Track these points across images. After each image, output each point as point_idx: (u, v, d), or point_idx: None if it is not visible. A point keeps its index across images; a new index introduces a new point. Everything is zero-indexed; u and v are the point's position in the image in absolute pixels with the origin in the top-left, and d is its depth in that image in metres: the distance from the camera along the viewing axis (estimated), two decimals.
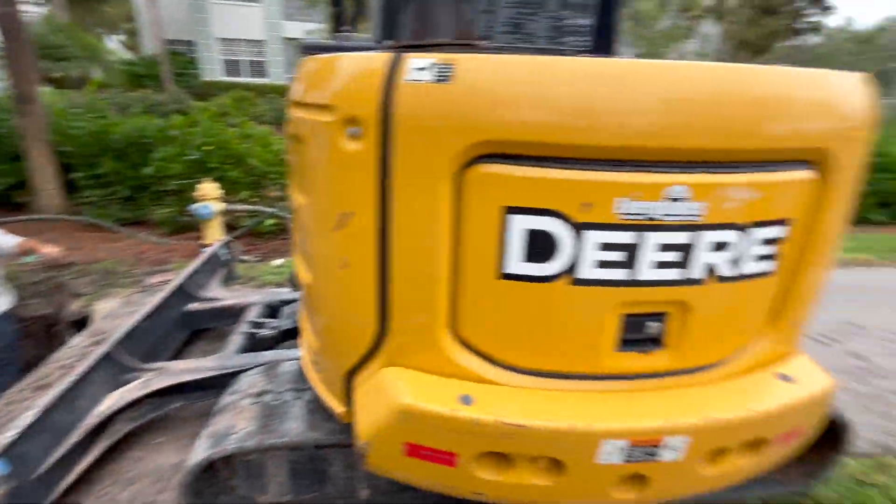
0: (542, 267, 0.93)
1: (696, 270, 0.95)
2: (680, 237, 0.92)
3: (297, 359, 1.68)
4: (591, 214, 0.88)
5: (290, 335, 2.32)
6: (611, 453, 0.97)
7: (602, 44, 1.38)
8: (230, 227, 5.11)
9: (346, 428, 1.21)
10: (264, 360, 1.97)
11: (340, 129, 0.94)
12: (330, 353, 1.27)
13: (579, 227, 0.89)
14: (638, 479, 1.03)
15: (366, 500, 1.51)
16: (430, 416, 0.97)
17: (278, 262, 4.31)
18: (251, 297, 2.78)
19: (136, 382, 2.00)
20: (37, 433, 1.65)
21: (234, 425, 1.47)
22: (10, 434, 1.58)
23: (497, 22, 1.36)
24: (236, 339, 2.30)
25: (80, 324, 2.87)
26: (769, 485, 1.68)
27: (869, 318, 3.26)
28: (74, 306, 3.56)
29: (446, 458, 1.01)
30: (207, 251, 3.27)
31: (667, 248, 0.92)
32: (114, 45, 28.55)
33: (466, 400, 0.98)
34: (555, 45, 1.40)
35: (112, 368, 2.05)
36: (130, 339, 2.19)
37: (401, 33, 1.18)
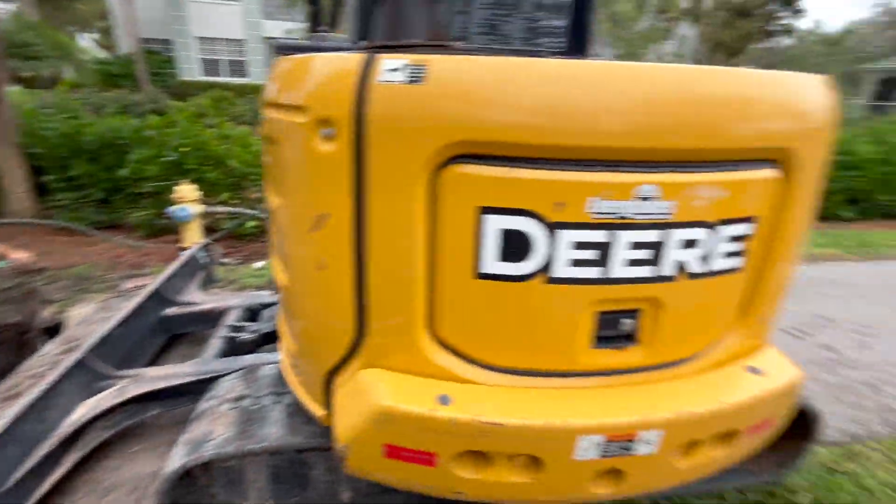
0: (518, 266, 0.94)
1: (667, 268, 0.98)
2: (651, 235, 0.93)
3: (277, 363, 1.66)
4: (564, 214, 0.89)
5: (270, 339, 2.30)
6: (587, 449, 0.98)
7: (577, 45, 1.40)
8: (210, 230, 5.01)
9: (327, 431, 1.20)
10: (244, 364, 1.95)
11: (314, 130, 0.94)
12: (308, 356, 1.26)
13: (553, 227, 0.90)
14: (614, 474, 1.04)
15: (348, 503, 1.51)
16: (408, 417, 0.97)
17: (259, 264, 4.25)
18: (231, 301, 2.74)
19: (110, 390, 1.95)
20: (6, 444, 1.59)
21: (211, 431, 1.45)
22: None
23: (472, 23, 1.37)
24: (215, 343, 2.26)
25: (53, 331, 2.78)
26: (744, 475, 1.73)
27: (838, 311, 3.37)
28: (47, 313, 3.44)
29: (426, 458, 1.01)
30: (185, 254, 3.20)
31: (638, 246, 0.94)
32: (87, 43, 27.75)
33: (444, 400, 0.98)
34: (530, 46, 1.41)
35: (85, 376, 1.99)
36: (104, 345, 2.14)
37: (376, 34, 1.18)
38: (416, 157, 0.88)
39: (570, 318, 0.99)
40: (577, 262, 0.94)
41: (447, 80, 0.85)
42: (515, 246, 0.92)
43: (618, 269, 0.95)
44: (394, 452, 1.01)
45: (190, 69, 19.18)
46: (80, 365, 1.98)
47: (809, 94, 1.04)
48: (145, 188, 5.13)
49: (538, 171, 0.88)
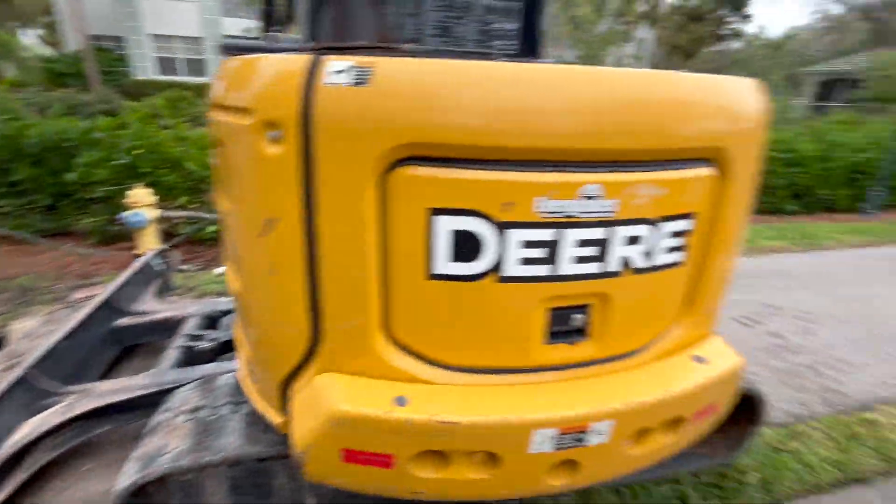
0: (469, 266, 0.95)
1: (613, 264, 1.01)
2: (596, 233, 0.97)
3: (235, 371, 1.62)
4: (513, 213, 0.91)
5: (230, 347, 2.23)
6: (542, 442, 1.01)
7: (528, 47, 1.43)
8: (168, 235, 4.81)
9: (286, 439, 1.18)
10: (201, 374, 1.88)
11: (260, 133, 0.92)
12: (264, 363, 1.24)
13: (502, 227, 0.92)
14: (569, 465, 1.07)
15: None
16: (365, 420, 0.97)
17: (220, 270, 4.11)
18: (189, 309, 2.64)
19: (56, 407, 1.85)
20: None
21: (165, 445, 1.40)
22: None
23: (425, 25, 1.38)
24: (172, 353, 2.18)
25: None
26: (697, 459, 1.81)
27: (785, 300, 3.58)
28: None
29: (383, 460, 1.01)
30: (139, 261, 3.07)
31: (585, 243, 0.97)
32: (30, 40, 26.06)
33: (401, 401, 0.98)
34: (483, 48, 1.43)
35: (28, 393, 1.88)
36: (49, 360, 2.02)
37: (325, 35, 1.17)
38: (364, 159, 0.88)
39: (522, 315, 1.02)
40: (527, 261, 0.96)
41: (393, 82, 0.85)
42: (466, 246, 0.94)
43: (566, 266, 0.98)
44: (351, 456, 1.01)
45: (144, 68, 18.35)
46: (21, 382, 1.87)
47: (742, 97, 1.10)
48: (96, 193, 4.88)
49: (486, 172, 0.89)
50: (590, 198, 0.93)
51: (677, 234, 1.06)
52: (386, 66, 0.86)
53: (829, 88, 20.59)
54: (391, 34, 1.18)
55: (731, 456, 1.86)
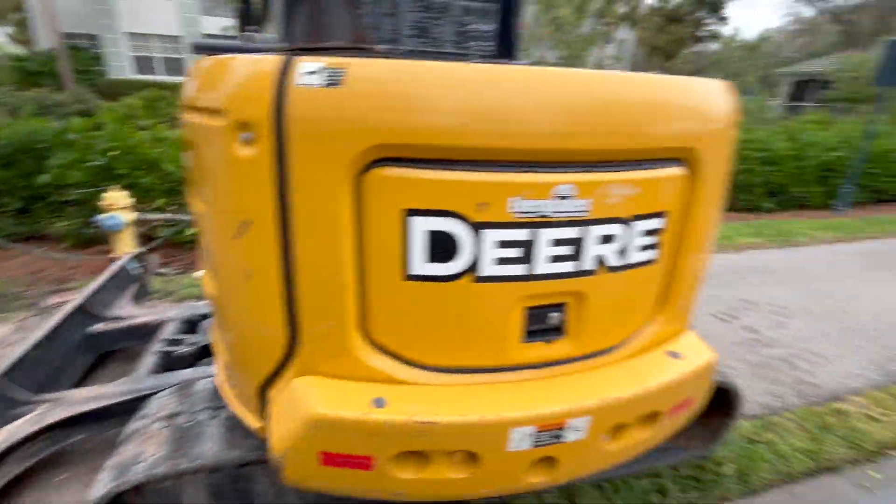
0: (446, 267, 0.96)
1: (587, 262, 1.03)
2: (570, 232, 0.98)
3: (213, 376, 1.59)
4: (488, 214, 0.92)
5: (209, 351, 2.19)
6: (520, 440, 1.02)
7: (504, 49, 1.44)
8: (147, 238, 4.70)
9: (266, 443, 1.17)
10: (180, 379, 1.85)
11: (232, 134, 0.91)
12: (241, 367, 1.22)
13: (477, 227, 0.93)
14: (548, 462, 1.09)
15: None
16: (343, 423, 0.97)
17: (200, 273, 4.04)
18: (167, 313, 2.59)
19: (28, 417, 1.80)
20: None
21: (141, 452, 1.37)
22: None
23: (403, 26, 1.38)
24: (149, 359, 2.13)
25: None
26: (676, 452, 1.86)
27: (760, 295, 3.68)
28: None
29: (363, 462, 1.01)
30: (114, 265, 3.00)
31: (559, 242, 0.98)
32: None
33: (379, 402, 0.98)
34: (460, 49, 1.44)
35: None
36: (20, 368, 1.96)
37: (299, 35, 1.16)
38: (338, 160, 0.88)
39: (499, 314, 1.02)
40: (503, 261, 0.97)
41: (366, 84, 0.85)
42: (442, 247, 0.94)
43: (542, 265, 0.99)
44: (330, 459, 1.00)
45: (121, 67, 17.91)
46: None
47: (712, 98, 1.13)
48: (70, 196, 4.74)
49: (460, 173, 0.90)
50: (563, 198, 0.95)
51: (650, 233, 1.08)
52: (359, 67, 0.85)
53: (803, 89, 21.22)
54: (366, 35, 1.18)
55: (709, 448, 1.91)
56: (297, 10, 1.14)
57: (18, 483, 1.72)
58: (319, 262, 0.96)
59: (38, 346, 2.09)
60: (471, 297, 0.99)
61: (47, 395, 1.92)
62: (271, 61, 0.88)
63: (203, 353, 2.19)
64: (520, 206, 0.93)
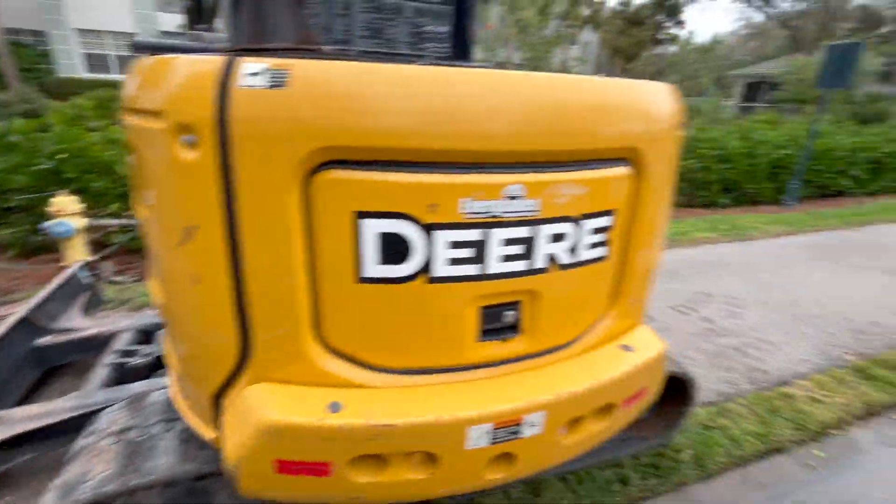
0: (398, 268, 0.96)
1: (539, 261, 1.05)
2: (521, 232, 1.00)
3: (167, 387, 1.54)
4: (438, 215, 0.93)
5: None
6: (478, 438, 1.03)
7: (459, 50, 1.46)
8: (100, 245, 4.48)
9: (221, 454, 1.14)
10: (133, 392, 1.77)
11: (173, 137, 0.88)
12: (194, 377, 1.18)
13: (428, 228, 0.93)
14: (506, 458, 1.10)
15: None
16: (297, 429, 0.95)
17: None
18: (121, 323, 2.48)
19: None
20: None
21: (89, 470, 1.31)
22: None
23: (356, 26, 1.37)
24: (100, 372, 2.04)
25: None
26: (637, 442, 1.92)
27: (716, 288, 3.85)
28: None
29: (320, 468, 0.99)
30: (63, 274, 2.84)
31: (511, 242, 1.00)
32: None
33: (335, 407, 0.97)
34: (415, 50, 1.44)
35: None
36: None
37: (245, 35, 1.13)
38: (284, 163, 0.86)
39: (454, 314, 1.03)
40: (456, 261, 0.98)
41: (311, 85, 0.84)
42: (394, 249, 0.94)
43: (494, 265, 1.01)
44: (286, 467, 0.99)
45: (71, 65, 17.01)
46: None
47: (656, 100, 1.17)
48: (13, 201, 4.47)
49: (409, 175, 0.90)
50: (513, 198, 0.96)
51: (599, 231, 1.12)
52: (303, 69, 0.84)
53: (755, 90, 22.35)
54: (313, 35, 1.17)
55: (668, 436, 1.98)
56: (243, 10, 1.11)
57: None
58: (269, 267, 0.94)
59: None
60: (425, 298, 1.00)
61: None
62: (213, 62, 0.86)
63: (159, 364, 2.11)
64: (471, 207, 0.94)
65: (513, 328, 1.12)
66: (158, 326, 2.36)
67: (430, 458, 1.04)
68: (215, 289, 0.96)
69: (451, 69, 0.93)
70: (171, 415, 1.45)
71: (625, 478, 1.88)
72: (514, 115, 0.94)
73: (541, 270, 1.06)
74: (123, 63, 18.13)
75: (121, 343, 2.25)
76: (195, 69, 0.88)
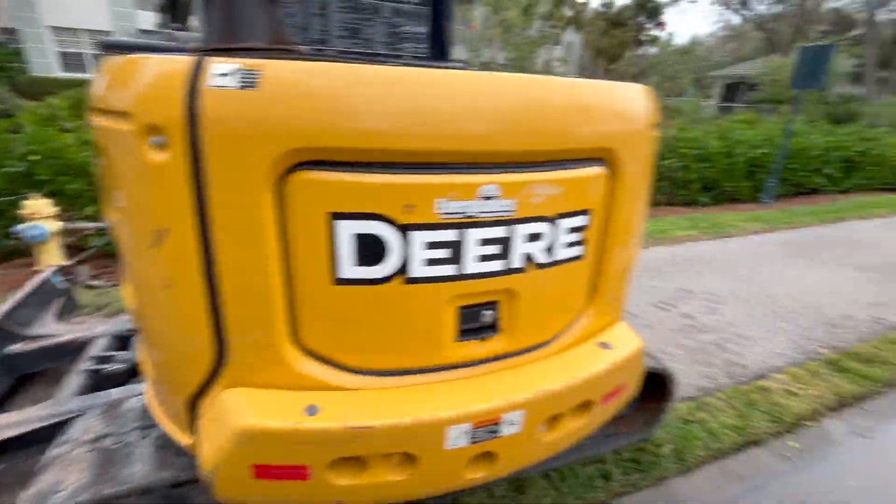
0: (375, 269, 0.96)
1: (516, 260, 1.06)
2: (497, 231, 1.01)
3: (143, 394, 1.51)
4: (414, 216, 0.93)
5: None
6: (457, 438, 1.03)
7: (437, 51, 1.46)
8: (76, 249, 4.37)
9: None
10: (109, 399, 1.73)
11: (142, 139, 0.86)
12: (169, 382, 1.16)
13: (405, 229, 0.93)
14: (486, 457, 1.11)
15: None
16: (274, 434, 0.94)
17: None
18: (97, 329, 2.42)
19: None
20: None
21: (61, 481, 1.28)
22: None
23: (333, 26, 1.36)
24: (75, 379, 1.99)
25: None
26: (618, 438, 1.94)
27: (696, 285, 3.92)
28: None
29: (298, 472, 0.99)
30: (35, 279, 2.76)
31: (487, 242, 1.00)
32: None
33: (312, 410, 0.97)
34: (394, 51, 1.44)
35: None
36: None
37: (217, 34, 1.11)
38: (257, 165, 0.85)
39: (432, 315, 1.03)
40: (433, 262, 0.98)
41: (283, 86, 0.83)
42: (370, 250, 0.94)
43: (471, 265, 1.01)
44: (263, 472, 0.98)
45: (45, 64, 16.52)
46: None
47: (630, 101, 1.19)
48: None
49: (384, 176, 0.90)
50: (488, 198, 0.97)
51: (575, 230, 1.13)
52: (275, 69, 0.84)
53: (733, 91, 22.87)
54: (286, 35, 1.16)
55: (649, 432, 2.01)
56: (215, 8, 1.09)
57: None
58: (243, 270, 0.93)
59: None
60: (402, 299, 0.99)
61: None
62: (182, 62, 0.84)
63: (136, 370, 2.06)
64: (446, 208, 0.94)
65: (491, 328, 1.12)
66: (135, 331, 2.31)
67: (410, 459, 1.04)
68: (188, 293, 0.95)
69: (425, 70, 0.93)
70: (147, 422, 1.42)
71: (607, 473, 1.90)
72: (489, 116, 0.95)
73: (518, 270, 1.07)
74: (100, 62, 17.68)
75: (96, 349, 2.20)
76: (163, 69, 0.86)
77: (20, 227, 3.67)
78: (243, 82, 0.82)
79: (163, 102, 0.84)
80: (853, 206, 7.33)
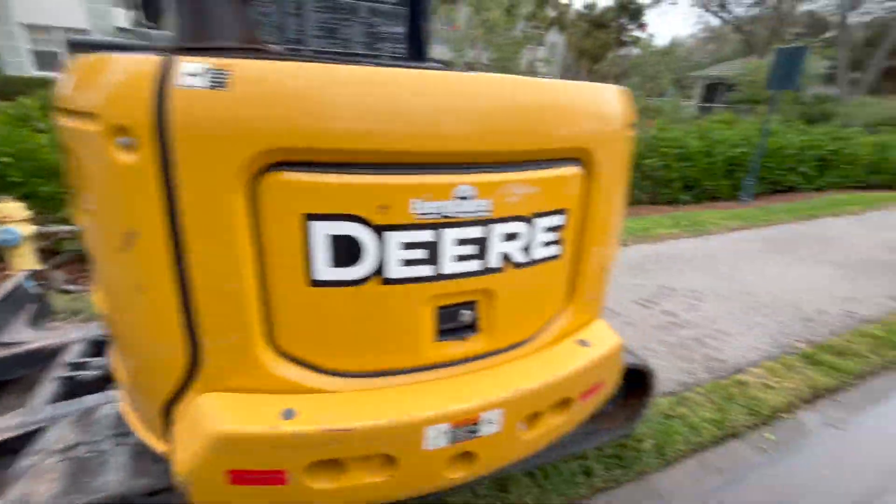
0: (351, 271, 0.95)
1: (493, 260, 1.06)
2: (474, 231, 1.01)
3: (119, 401, 1.47)
4: (389, 216, 0.93)
5: None
6: (436, 438, 1.03)
7: (415, 51, 1.46)
8: (51, 253, 4.26)
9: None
10: (84, 407, 1.69)
11: (109, 140, 0.84)
12: (143, 388, 1.14)
13: (380, 230, 0.93)
14: (466, 457, 1.11)
15: None
16: (250, 439, 0.93)
17: None
18: (71, 335, 2.36)
19: None
20: None
21: (32, 492, 1.24)
22: None
23: (309, 26, 1.35)
24: (48, 386, 1.93)
25: None
26: (600, 434, 1.96)
27: (677, 282, 3.99)
28: None
29: (276, 477, 0.98)
30: (7, 284, 2.68)
31: (464, 242, 1.01)
32: None
33: (288, 414, 0.96)
34: (371, 51, 1.43)
35: None
36: None
37: (187, 33, 1.10)
38: (228, 166, 0.84)
39: (410, 315, 1.03)
40: (409, 262, 0.98)
41: (254, 86, 0.82)
42: (346, 251, 0.93)
43: (448, 265, 1.01)
44: (240, 477, 0.96)
45: (18, 63, 16.04)
46: None
47: (607, 101, 1.21)
48: None
49: (358, 176, 0.89)
50: (464, 198, 0.97)
51: (552, 230, 1.14)
52: (246, 69, 0.83)
53: (713, 91, 23.34)
54: (257, 34, 1.14)
55: (630, 427, 2.04)
56: (185, 7, 1.07)
57: None
58: (216, 273, 0.91)
59: None
60: (379, 300, 0.99)
61: None
62: (150, 61, 0.83)
63: (111, 377, 2.01)
64: (422, 208, 0.94)
65: (470, 327, 1.13)
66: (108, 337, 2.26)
67: (389, 461, 1.03)
68: (160, 297, 0.93)
69: (399, 69, 0.92)
70: (122, 429, 1.39)
71: (589, 469, 1.92)
72: (464, 116, 0.95)
73: (495, 270, 1.08)
74: (67, 61, 17.21)
75: (71, 355, 2.14)
76: (131, 69, 0.85)
77: None
78: (213, 82, 0.80)
79: (130, 103, 0.82)
80: (827, 204, 7.54)
